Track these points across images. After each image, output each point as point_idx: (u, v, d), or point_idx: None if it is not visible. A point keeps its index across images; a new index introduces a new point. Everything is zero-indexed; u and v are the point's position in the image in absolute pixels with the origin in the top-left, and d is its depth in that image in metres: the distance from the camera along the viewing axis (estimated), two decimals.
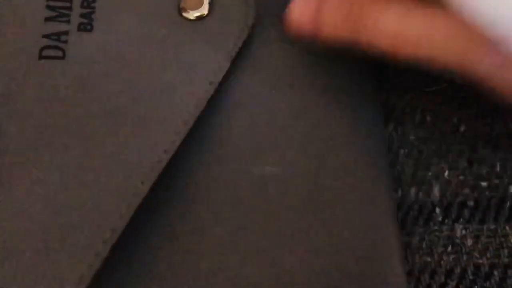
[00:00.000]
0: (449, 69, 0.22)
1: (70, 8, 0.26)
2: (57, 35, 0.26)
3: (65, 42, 0.26)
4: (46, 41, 0.26)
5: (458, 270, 0.25)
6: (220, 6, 0.27)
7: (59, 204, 0.23)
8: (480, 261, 0.26)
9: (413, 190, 0.27)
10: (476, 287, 0.25)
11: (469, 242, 0.26)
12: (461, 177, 0.27)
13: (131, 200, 0.23)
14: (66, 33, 0.26)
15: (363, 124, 0.27)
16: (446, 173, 0.27)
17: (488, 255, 0.26)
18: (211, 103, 0.26)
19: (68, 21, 0.26)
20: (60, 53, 0.25)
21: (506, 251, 0.26)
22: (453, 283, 0.25)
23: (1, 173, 0.23)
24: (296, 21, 0.25)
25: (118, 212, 0.22)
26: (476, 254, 0.26)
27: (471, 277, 0.25)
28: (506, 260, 0.26)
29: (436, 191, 0.27)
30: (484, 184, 0.27)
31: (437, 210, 0.26)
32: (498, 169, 0.27)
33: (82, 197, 0.23)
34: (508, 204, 0.26)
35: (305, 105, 0.27)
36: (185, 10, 0.27)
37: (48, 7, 0.26)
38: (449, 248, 0.26)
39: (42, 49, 0.25)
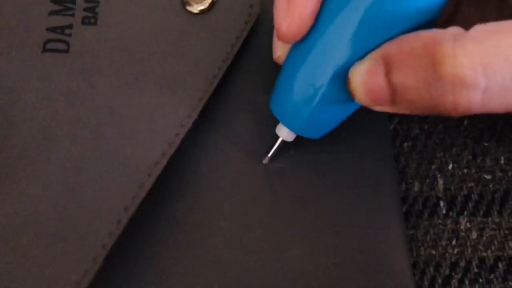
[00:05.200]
0: None
1: (74, 2, 0.26)
2: (61, 29, 0.26)
3: (69, 35, 0.26)
4: (50, 35, 0.26)
5: (462, 263, 0.25)
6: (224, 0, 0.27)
7: (64, 197, 0.23)
8: (485, 253, 0.26)
9: (417, 183, 0.27)
10: (481, 279, 0.25)
11: (474, 234, 0.26)
12: (465, 170, 0.27)
13: (137, 192, 0.23)
14: (70, 26, 0.26)
15: (367, 118, 0.27)
16: (450, 166, 0.27)
17: (493, 247, 0.26)
18: (213, 97, 0.26)
19: (72, 15, 0.26)
20: (64, 47, 0.25)
21: (510, 243, 0.26)
22: (458, 276, 0.25)
23: (6, 166, 0.23)
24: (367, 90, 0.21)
25: (123, 204, 0.22)
26: (480, 246, 0.26)
27: (475, 270, 0.25)
28: (510, 252, 0.26)
29: (440, 184, 0.27)
30: (488, 177, 0.27)
31: (442, 203, 0.26)
32: (502, 162, 0.27)
33: (88, 190, 0.23)
34: None
35: None
36: (189, 4, 0.27)
37: (53, 1, 0.26)
38: (454, 241, 0.26)
39: (46, 42, 0.25)
